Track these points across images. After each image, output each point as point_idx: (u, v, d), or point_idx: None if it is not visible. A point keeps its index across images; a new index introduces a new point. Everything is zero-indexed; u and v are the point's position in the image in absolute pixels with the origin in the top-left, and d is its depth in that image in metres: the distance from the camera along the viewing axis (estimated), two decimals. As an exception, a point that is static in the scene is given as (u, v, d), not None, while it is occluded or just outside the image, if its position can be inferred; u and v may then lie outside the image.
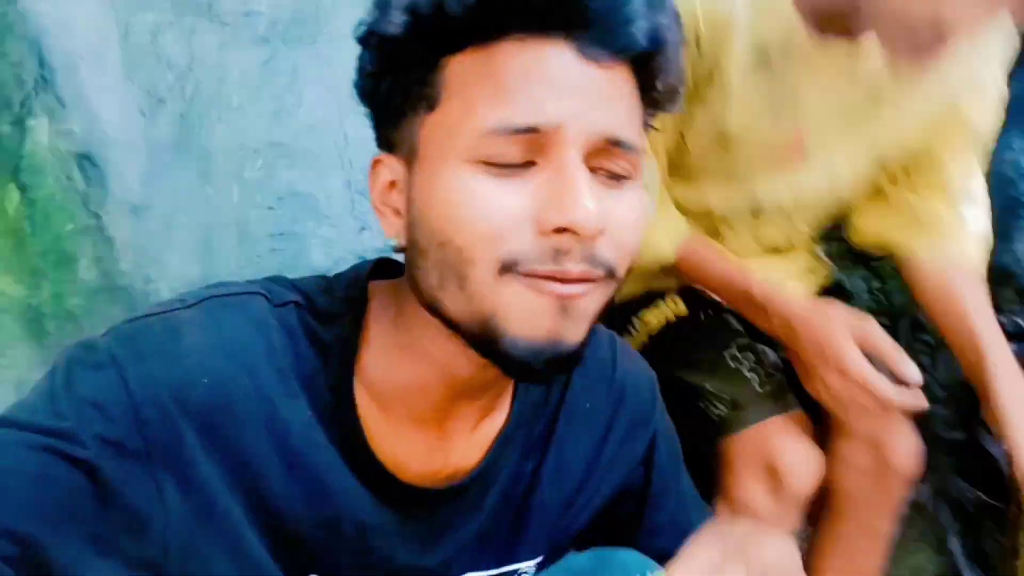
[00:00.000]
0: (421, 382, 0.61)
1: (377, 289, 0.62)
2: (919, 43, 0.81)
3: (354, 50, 0.57)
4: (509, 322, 0.52)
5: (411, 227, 0.56)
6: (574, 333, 0.54)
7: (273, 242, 1.20)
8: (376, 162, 0.59)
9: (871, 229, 1.14)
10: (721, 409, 1.04)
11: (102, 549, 0.51)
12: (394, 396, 0.61)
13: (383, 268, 0.65)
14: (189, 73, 1.18)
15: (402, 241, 0.57)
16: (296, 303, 0.60)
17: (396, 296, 0.61)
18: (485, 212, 0.51)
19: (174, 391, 0.53)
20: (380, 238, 1.21)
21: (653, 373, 0.80)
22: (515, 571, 0.69)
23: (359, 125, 0.62)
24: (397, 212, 0.58)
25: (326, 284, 0.63)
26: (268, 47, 1.20)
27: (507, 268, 0.51)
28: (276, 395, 0.57)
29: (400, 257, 0.61)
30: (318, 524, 0.59)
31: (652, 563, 0.66)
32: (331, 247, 1.21)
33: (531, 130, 0.51)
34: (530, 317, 0.52)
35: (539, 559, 0.70)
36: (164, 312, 0.57)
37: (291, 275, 1.18)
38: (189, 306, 0.58)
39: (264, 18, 1.20)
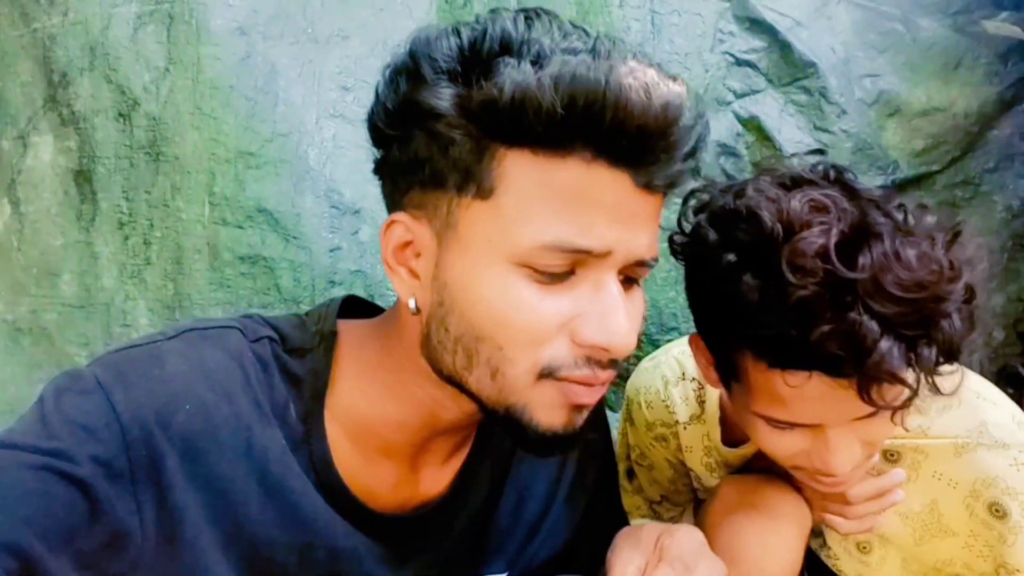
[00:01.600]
0: (401, 419, 0.62)
1: (348, 326, 0.64)
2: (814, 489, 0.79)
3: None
4: (536, 414, 0.56)
5: (438, 304, 0.57)
6: (583, 418, 0.59)
7: (243, 266, 1.16)
8: (393, 222, 0.59)
9: None
10: None
11: (83, 564, 0.52)
12: (367, 429, 0.62)
13: (350, 303, 0.68)
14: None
15: (418, 305, 0.58)
16: (269, 338, 0.62)
17: (379, 336, 0.63)
18: (530, 319, 0.53)
19: (158, 415, 0.55)
20: (352, 260, 1.16)
21: (601, 403, 0.80)
22: None
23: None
24: (413, 274, 0.58)
25: (298, 321, 0.65)
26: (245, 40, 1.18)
27: (545, 374, 0.55)
28: (253, 423, 0.58)
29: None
30: (292, 549, 0.60)
31: None
32: (300, 271, 1.15)
33: (585, 252, 0.53)
34: (556, 412, 0.57)
35: (503, 575, 0.72)
36: (146, 343, 0.59)
37: (261, 299, 1.16)
38: (170, 338, 0.60)
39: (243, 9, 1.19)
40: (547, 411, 0.56)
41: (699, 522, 0.87)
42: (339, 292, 1.14)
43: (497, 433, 0.70)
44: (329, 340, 0.62)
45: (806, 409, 0.67)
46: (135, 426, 0.54)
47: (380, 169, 0.61)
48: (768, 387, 0.67)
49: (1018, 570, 0.78)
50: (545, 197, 0.52)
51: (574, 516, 0.75)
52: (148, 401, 0.55)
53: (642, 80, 0.51)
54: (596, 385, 0.56)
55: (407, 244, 0.58)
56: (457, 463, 0.68)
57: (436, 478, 0.67)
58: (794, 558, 0.80)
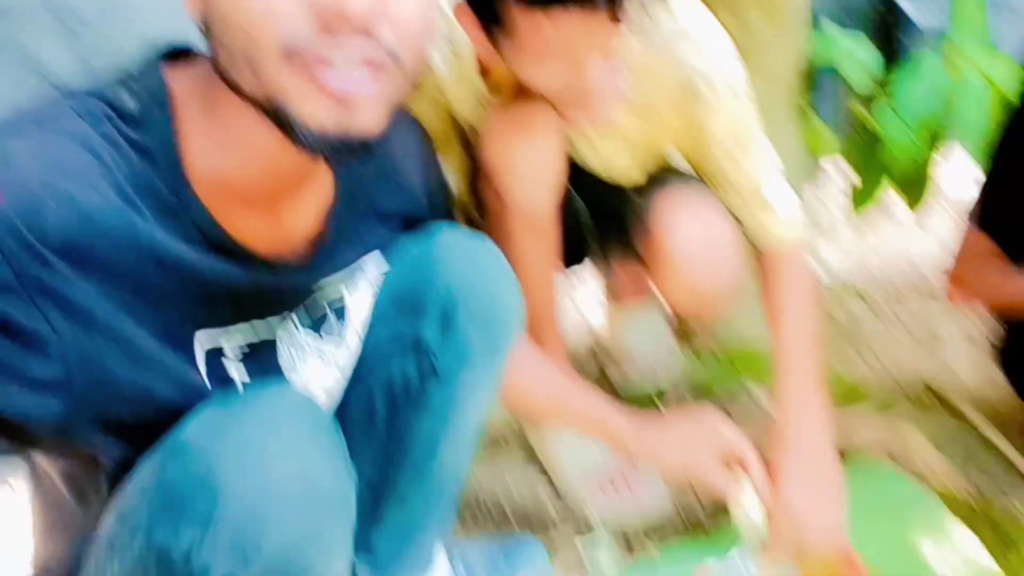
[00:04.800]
0: (244, 174, 0.61)
1: (177, 76, 0.61)
2: (573, 105, 0.91)
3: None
4: (296, 109, 0.54)
5: (204, 2, 0.55)
6: (364, 122, 0.55)
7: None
8: None
9: None
10: None
11: (7, 379, 0.53)
12: (225, 184, 0.61)
13: (177, 57, 0.63)
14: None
15: (200, 18, 0.57)
16: (106, 115, 0.58)
17: (203, 84, 0.60)
18: None
19: (25, 218, 0.52)
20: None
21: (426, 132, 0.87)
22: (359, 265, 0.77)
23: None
24: None
25: (122, 84, 0.60)
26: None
27: (289, 55, 0.53)
28: (125, 203, 0.57)
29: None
30: (198, 303, 0.62)
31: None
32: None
33: None
34: (315, 109, 0.54)
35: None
36: None
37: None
38: (7, 138, 0.55)
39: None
40: (307, 109, 0.54)
41: (477, 155, 1.01)
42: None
43: (354, 170, 0.72)
44: (160, 98, 0.59)
45: (562, 41, 0.81)
46: (7, 238, 0.52)
47: None
48: (531, 28, 0.80)
49: (717, 137, 1.00)
50: None
51: (403, 198, 0.80)
52: (11, 207, 0.52)
53: None
54: (348, 67, 0.53)
55: None
56: (321, 197, 0.70)
57: (303, 218, 0.68)
58: (557, 156, 0.99)
